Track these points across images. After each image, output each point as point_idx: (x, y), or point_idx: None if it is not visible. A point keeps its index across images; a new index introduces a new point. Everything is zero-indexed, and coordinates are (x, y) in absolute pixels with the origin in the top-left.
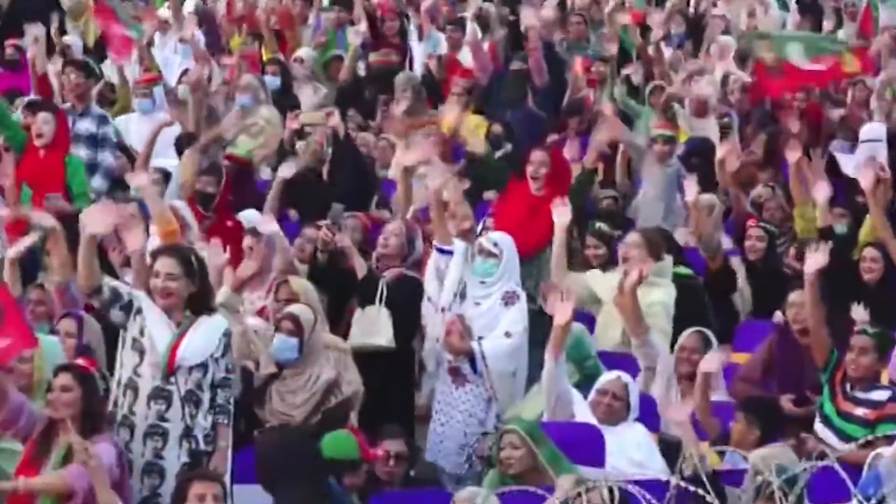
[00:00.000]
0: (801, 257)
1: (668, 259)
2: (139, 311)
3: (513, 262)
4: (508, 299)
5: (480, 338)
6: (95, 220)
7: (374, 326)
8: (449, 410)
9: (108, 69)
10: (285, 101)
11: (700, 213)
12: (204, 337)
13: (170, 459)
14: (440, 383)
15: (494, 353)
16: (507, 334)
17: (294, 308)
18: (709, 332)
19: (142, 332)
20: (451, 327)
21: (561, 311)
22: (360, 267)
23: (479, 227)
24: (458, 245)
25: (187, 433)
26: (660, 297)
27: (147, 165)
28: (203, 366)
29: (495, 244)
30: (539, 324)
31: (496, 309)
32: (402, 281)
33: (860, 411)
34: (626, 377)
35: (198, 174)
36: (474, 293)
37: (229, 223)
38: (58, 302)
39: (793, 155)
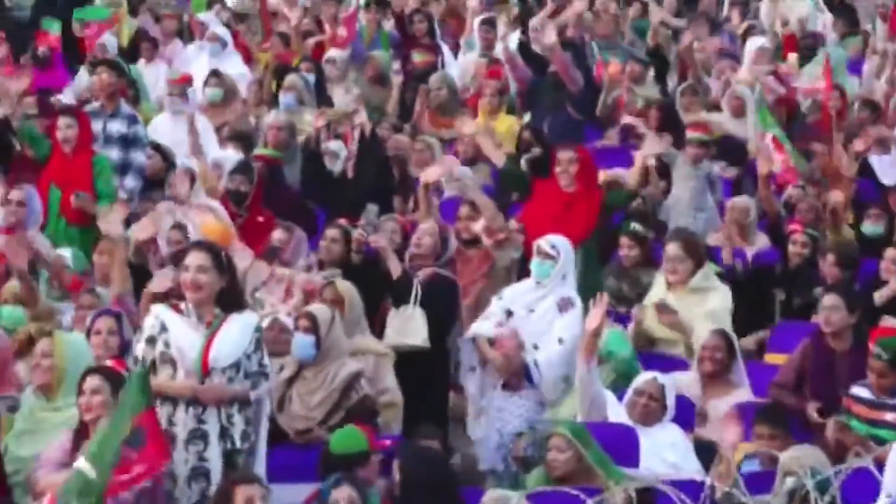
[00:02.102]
0: (840, 263)
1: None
2: (162, 328)
3: (569, 265)
4: (563, 306)
5: (535, 346)
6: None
7: (408, 326)
8: (505, 416)
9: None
10: (319, 100)
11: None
12: (235, 336)
13: (213, 460)
14: (492, 396)
15: (548, 362)
16: (560, 340)
17: (311, 307)
18: (729, 332)
19: (167, 345)
20: (504, 342)
21: (591, 317)
22: (395, 267)
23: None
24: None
25: (224, 433)
26: (718, 302)
27: (200, 154)
28: (235, 364)
29: (553, 246)
30: None
31: (551, 314)
32: (435, 280)
33: (890, 416)
34: (662, 378)
35: (230, 173)
36: (527, 299)
37: (260, 219)
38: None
39: None
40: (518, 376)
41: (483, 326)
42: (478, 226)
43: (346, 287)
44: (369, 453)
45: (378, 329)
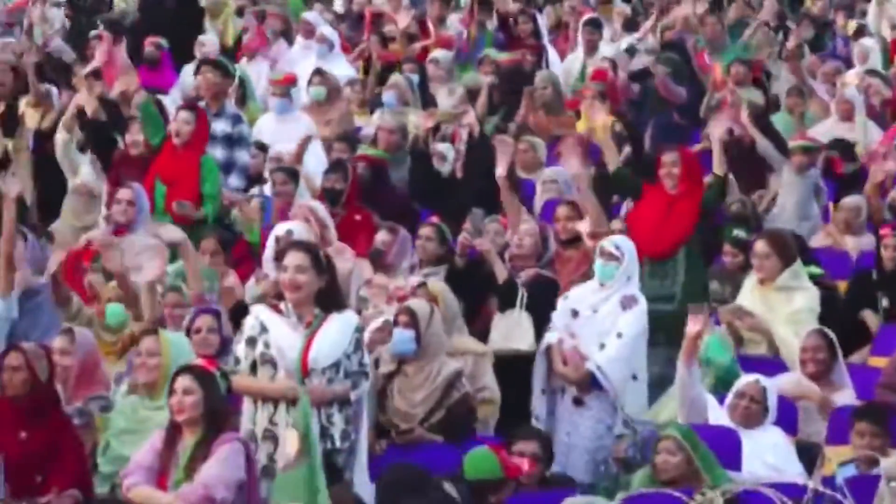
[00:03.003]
0: None
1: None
2: (262, 329)
3: (633, 266)
4: (626, 303)
5: (602, 346)
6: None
7: (514, 331)
8: (575, 419)
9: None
10: (423, 101)
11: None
12: (335, 336)
13: None
14: (562, 400)
15: (610, 364)
16: (619, 335)
17: (410, 302)
18: (828, 331)
19: (267, 345)
20: (566, 356)
21: (692, 321)
22: (501, 271)
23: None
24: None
25: (324, 433)
26: (803, 302)
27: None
28: (335, 365)
29: (617, 247)
30: (676, 324)
31: (615, 313)
32: (538, 281)
33: None
34: (764, 381)
35: (325, 172)
36: (592, 300)
37: (357, 217)
38: None
39: None
40: (587, 389)
41: (552, 337)
42: (582, 227)
43: (439, 287)
44: (504, 481)
45: (482, 333)
